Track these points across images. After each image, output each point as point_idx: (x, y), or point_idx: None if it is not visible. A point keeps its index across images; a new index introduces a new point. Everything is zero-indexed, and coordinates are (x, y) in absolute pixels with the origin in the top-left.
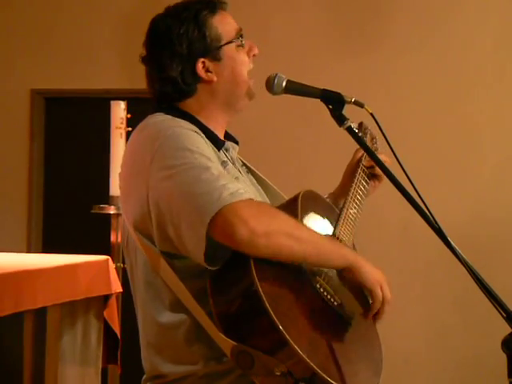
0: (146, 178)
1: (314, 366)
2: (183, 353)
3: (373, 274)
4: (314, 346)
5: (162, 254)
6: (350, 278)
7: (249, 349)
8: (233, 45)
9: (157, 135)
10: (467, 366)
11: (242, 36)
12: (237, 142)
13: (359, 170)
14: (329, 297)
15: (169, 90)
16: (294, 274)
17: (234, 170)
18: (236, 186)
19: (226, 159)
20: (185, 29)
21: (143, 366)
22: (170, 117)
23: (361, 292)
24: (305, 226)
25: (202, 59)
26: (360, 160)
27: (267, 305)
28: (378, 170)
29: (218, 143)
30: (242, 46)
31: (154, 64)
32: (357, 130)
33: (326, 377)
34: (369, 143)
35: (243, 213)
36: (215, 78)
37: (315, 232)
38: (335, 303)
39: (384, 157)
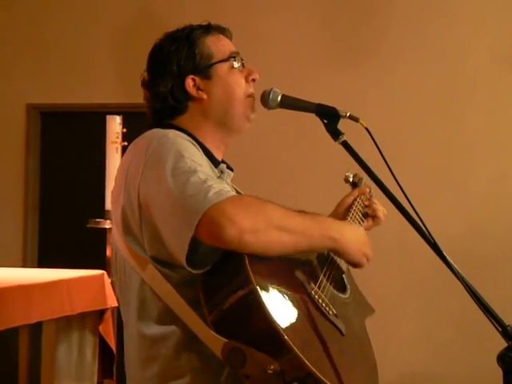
0: (138, 183)
1: (309, 365)
2: (171, 366)
3: (354, 249)
4: (309, 346)
5: (153, 262)
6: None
7: (241, 345)
8: (225, 64)
9: (151, 143)
10: (464, 380)
11: (236, 58)
12: (231, 169)
13: (354, 206)
14: (324, 305)
15: (158, 107)
16: (289, 278)
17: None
18: (221, 186)
19: (221, 176)
20: (176, 46)
21: (127, 380)
22: (166, 130)
23: (357, 308)
24: (293, 213)
25: (191, 76)
26: (354, 200)
27: (262, 299)
28: (373, 211)
29: (214, 160)
30: (235, 67)
31: (147, 82)
32: (352, 178)
33: (320, 376)
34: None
35: (229, 211)
36: (205, 96)
37: (303, 218)
38: (330, 312)
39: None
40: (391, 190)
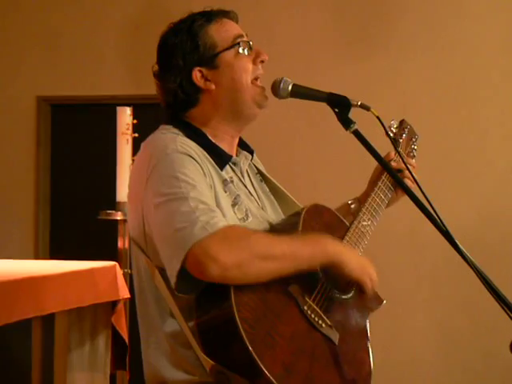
0: (142, 198)
1: None
2: (183, 359)
3: (356, 264)
4: (290, 370)
5: (157, 268)
6: (335, 273)
7: (225, 370)
8: (230, 52)
9: (152, 156)
10: (475, 369)
11: (241, 42)
12: (251, 152)
13: (383, 177)
14: (316, 319)
15: (171, 101)
16: (279, 297)
17: (238, 186)
18: (209, 216)
19: (230, 175)
20: (179, 40)
21: (144, 371)
22: (172, 136)
23: (360, 305)
24: (280, 237)
25: (197, 68)
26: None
27: (242, 331)
28: (405, 176)
29: (222, 159)
30: (241, 52)
31: (157, 75)
32: (395, 128)
33: None
34: (404, 144)
35: (211, 249)
36: (213, 87)
37: (291, 239)
38: (323, 325)
39: (411, 161)
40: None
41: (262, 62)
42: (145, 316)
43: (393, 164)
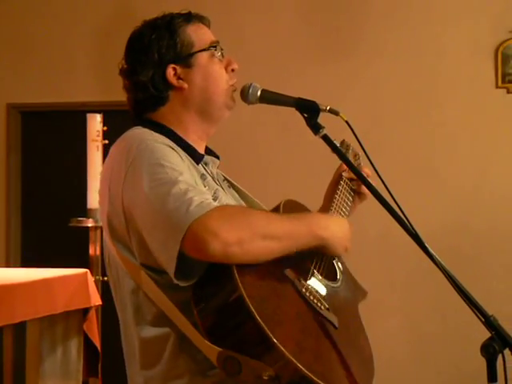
0: (121, 192)
1: (302, 368)
2: (168, 368)
3: (340, 243)
4: (302, 347)
5: (143, 267)
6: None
7: (235, 354)
8: (206, 53)
9: (131, 148)
10: (448, 372)
11: (216, 47)
12: (217, 157)
13: (342, 183)
14: (315, 301)
15: (140, 97)
16: (278, 278)
17: (213, 183)
18: (202, 197)
19: (204, 172)
20: (156, 35)
21: (128, 381)
22: (147, 130)
23: (350, 294)
24: (278, 217)
25: (172, 65)
26: (342, 173)
27: (252, 308)
28: (358, 186)
29: (195, 157)
30: (215, 56)
31: (127, 71)
32: (340, 146)
33: (314, 378)
34: (351, 159)
35: (212, 225)
36: (186, 85)
37: (289, 220)
38: (322, 307)
39: (366, 170)
40: (373, 183)
41: (233, 70)
42: (125, 327)
43: (345, 174)
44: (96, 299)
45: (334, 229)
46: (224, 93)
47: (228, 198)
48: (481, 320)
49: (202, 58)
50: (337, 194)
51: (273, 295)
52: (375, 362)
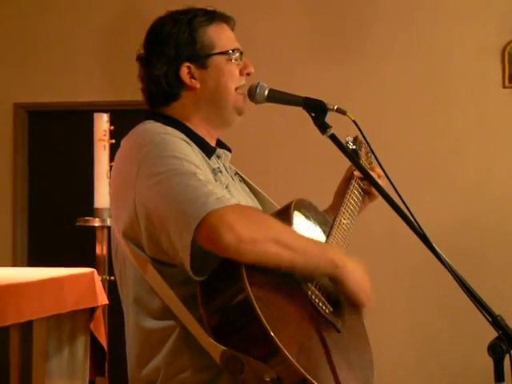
0: (133, 184)
1: (304, 372)
2: (171, 360)
3: (357, 281)
4: (304, 351)
5: (152, 261)
6: (336, 285)
7: (239, 354)
8: (224, 57)
9: (144, 142)
10: (455, 372)
11: (236, 51)
12: (229, 150)
13: (353, 182)
14: (320, 304)
15: (153, 90)
16: (285, 281)
17: (226, 176)
18: (222, 192)
19: (217, 166)
20: (176, 30)
21: (129, 377)
22: (159, 124)
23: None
24: (294, 231)
25: (187, 63)
26: (354, 172)
27: (258, 310)
28: (368, 186)
29: (208, 150)
30: (233, 60)
31: (143, 60)
32: (352, 144)
33: (315, 382)
34: (364, 157)
35: (229, 218)
36: (198, 85)
37: (304, 237)
38: (326, 311)
39: (378, 170)
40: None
41: (248, 74)
42: (130, 320)
43: (356, 173)
44: (103, 298)
45: (350, 264)
46: (233, 96)
47: (239, 193)
48: (488, 320)
49: (219, 60)
50: (347, 193)
51: (279, 297)
52: (382, 363)
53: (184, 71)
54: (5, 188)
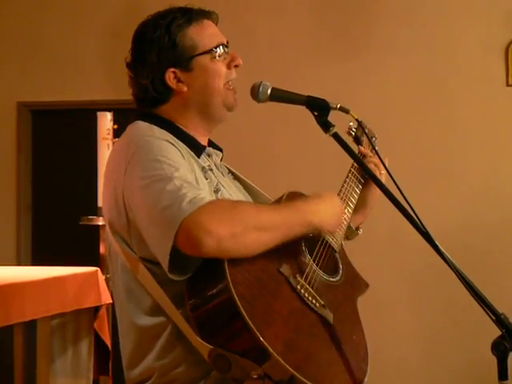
0: (122, 187)
1: (290, 368)
2: (165, 357)
3: (333, 223)
4: (291, 347)
5: (142, 260)
6: (322, 255)
7: (225, 352)
8: (207, 56)
9: (130, 144)
10: (459, 370)
11: (219, 47)
12: (220, 150)
13: (351, 169)
14: (310, 298)
15: (142, 96)
16: (272, 276)
17: (217, 174)
18: (195, 193)
19: (207, 164)
20: (157, 35)
21: (125, 374)
22: (147, 125)
23: (349, 288)
24: (268, 207)
25: (171, 69)
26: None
27: (241, 308)
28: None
29: (197, 148)
30: (217, 57)
31: (130, 67)
32: (355, 129)
33: (302, 378)
34: (366, 142)
35: (203, 220)
36: (185, 89)
37: (278, 208)
38: (316, 304)
39: (376, 160)
40: (384, 182)
41: (236, 66)
42: (122, 317)
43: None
44: (107, 297)
45: (324, 211)
46: (221, 93)
47: (232, 190)
48: (491, 318)
49: (203, 60)
50: (344, 181)
51: (265, 294)
52: (386, 362)
53: (170, 77)
54: (9, 187)
